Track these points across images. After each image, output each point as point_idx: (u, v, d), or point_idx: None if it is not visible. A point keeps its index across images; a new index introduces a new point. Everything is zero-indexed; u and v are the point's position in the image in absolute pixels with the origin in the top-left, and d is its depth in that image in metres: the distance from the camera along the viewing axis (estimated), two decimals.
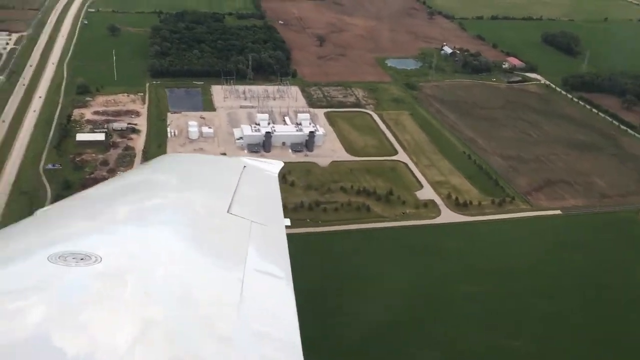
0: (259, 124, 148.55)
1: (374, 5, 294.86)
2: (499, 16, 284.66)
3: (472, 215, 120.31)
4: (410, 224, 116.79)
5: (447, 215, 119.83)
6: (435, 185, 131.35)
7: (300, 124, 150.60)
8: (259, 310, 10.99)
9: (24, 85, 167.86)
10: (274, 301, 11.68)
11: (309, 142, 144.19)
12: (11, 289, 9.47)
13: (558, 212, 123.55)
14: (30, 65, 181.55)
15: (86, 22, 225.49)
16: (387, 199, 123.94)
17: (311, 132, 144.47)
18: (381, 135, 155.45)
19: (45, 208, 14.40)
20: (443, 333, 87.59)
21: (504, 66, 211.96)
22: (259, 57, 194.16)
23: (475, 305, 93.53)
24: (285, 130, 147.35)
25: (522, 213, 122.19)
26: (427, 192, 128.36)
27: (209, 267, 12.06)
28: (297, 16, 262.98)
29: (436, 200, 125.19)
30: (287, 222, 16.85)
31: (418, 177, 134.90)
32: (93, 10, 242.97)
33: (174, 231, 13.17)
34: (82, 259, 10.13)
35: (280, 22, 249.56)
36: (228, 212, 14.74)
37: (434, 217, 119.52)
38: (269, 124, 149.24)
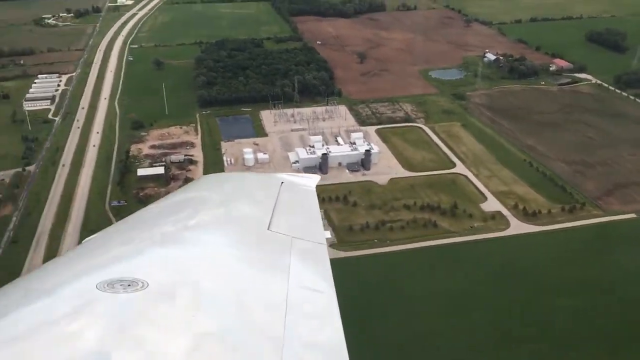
0: (313, 146, 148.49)
1: (409, 18, 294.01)
2: (538, 18, 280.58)
3: (543, 224, 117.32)
4: (481, 237, 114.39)
5: (518, 226, 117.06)
6: (499, 195, 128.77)
7: (355, 143, 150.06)
8: (305, 322, 11.52)
9: (78, 127, 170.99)
10: (319, 314, 12.15)
11: (365, 161, 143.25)
12: (61, 316, 10.00)
13: (633, 215, 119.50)
14: (83, 107, 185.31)
15: (131, 58, 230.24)
16: (452, 213, 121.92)
17: (367, 151, 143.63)
18: (436, 149, 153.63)
19: (91, 236, 14.65)
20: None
21: (551, 69, 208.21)
22: (304, 79, 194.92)
23: (579, 321, 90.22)
24: (340, 151, 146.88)
25: (595, 219, 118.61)
26: (492, 204, 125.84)
27: (254, 283, 12.58)
28: (334, 35, 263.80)
29: (503, 212, 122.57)
30: (328, 234, 17.73)
31: (480, 188, 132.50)
32: (136, 46, 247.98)
33: (217, 250, 13.61)
34: (129, 285, 10.61)
35: (318, 42, 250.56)
36: (268, 229, 14.93)
37: (504, 229, 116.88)
38: (323, 145, 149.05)
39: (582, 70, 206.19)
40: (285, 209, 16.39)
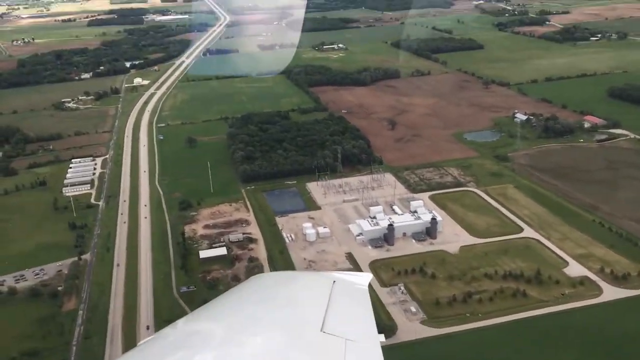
0: (374, 217, 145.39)
1: (425, 83, 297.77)
2: (554, 77, 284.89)
3: (637, 287, 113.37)
4: (577, 305, 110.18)
5: (611, 292, 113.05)
6: (579, 259, 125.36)
7: (416, 212, 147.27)
8: None
9: (124, 211, 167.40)
10: None
11: (432, 230, 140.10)
12: None
13: None
14: (124, 190, 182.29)
15: (161, 137, 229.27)
16: (537, 280, 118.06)
17: (432, 219, 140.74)
18: (497, 213, 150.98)
19: (145, 339, 15.57)
20: None
21: (585, 126, 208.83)
22: (343, 148, 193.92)
23: None
24: (403, 220, 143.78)
25: None
26: (575, 268, 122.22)
27: None
28: (357, 103, 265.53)
29: (590, 276, 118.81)
30: (382, 337, 17.05)
31: (557, 252, 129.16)
32: (163, 125, 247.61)
33: (272, 354, 13.80)
34: None
35: (343, 111, 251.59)
36: (322, 330, 15.16)
37: (598, 295, 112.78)
38: (385, 215, 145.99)
39: (615, 125, 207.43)
40: (338, 310, 16.65)
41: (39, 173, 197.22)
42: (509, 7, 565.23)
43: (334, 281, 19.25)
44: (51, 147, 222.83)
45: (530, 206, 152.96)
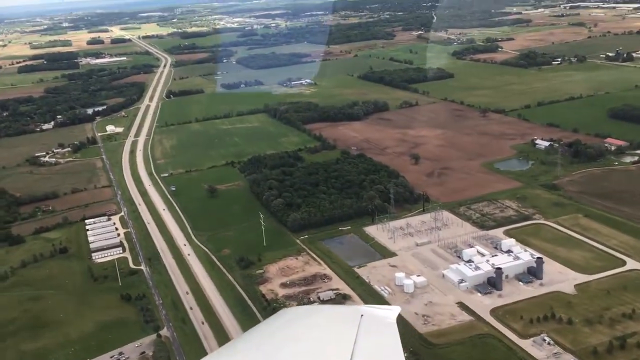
0: (471, 261, 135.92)
1: (420, 114, 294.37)
2: (544, 101, 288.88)
3: None
4: None
5: None
6: None
7: (511, 251, 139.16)
8: None
9: (175, 275, 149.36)
10: None
11: (537, 270, 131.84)
12: None
13: None
14: (161, 250, 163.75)
15: (174, 188, 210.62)
16: None
17: (539, 259, 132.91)
18: (585, 245, 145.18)
19: None
20: None
21: (612, 149, 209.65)
22: (385, 187, 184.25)
23: None
24: (504, 262, 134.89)
25: None
26: None
27: None
28: (362, 139, 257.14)
29: None
30: None
31: None
32: (166, 174, 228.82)
33: None
34: None
35: (353, 148, 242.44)
36: None
37: None
38: (483, 257, 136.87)
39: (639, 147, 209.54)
40: (366, 344, 16.77)
41: (51, 239, 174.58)
42: (452, 37, 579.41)
43: (362, 315, 19.01)
44: (50, 207, 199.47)
45: (614, 235, 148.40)
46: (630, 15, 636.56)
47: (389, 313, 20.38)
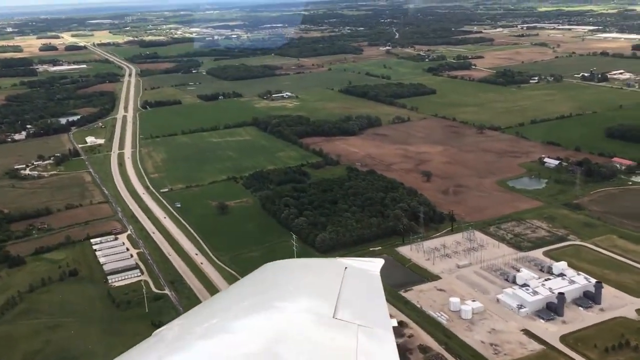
0: (528, 285, 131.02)
1: (415, 130, 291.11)
2: (537, 119, 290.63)
3: None
4: None
5: None
6: None
7: (564, 275, 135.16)
8: None
9: (201, 297, 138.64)
10: None
11: (596, 294, 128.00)
12: None
13: None
14: (184, 273, 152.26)
15: (179, 205, 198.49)
16: None
17: (598, 282, 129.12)
18: (631, 267, 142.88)
19: (160, 329, 14.61)
20: None
21: (622, 168, 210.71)
22: (408, 206, 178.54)
23: None
24: (561, 286, 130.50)
25: None
26: None
27: None
28: (364, 155, 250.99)
29: None
30: (394, 322, 16.69)
31: None
32: (166, 190, 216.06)
33: (283, 340, 13.42)
34: None
35: (357, 164, 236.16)
36: (334, 317, 14.96)
37: None
38: (537, 280, 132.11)
39: None
40: (350, 296, 16.68)
41: (56, 260, 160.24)
42: (422, 53, 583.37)
43: (346, 267, 18.91)
44: (46, 225, 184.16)
45: None
46: (588, 37, 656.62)
47: (373, 265, 20.07)
